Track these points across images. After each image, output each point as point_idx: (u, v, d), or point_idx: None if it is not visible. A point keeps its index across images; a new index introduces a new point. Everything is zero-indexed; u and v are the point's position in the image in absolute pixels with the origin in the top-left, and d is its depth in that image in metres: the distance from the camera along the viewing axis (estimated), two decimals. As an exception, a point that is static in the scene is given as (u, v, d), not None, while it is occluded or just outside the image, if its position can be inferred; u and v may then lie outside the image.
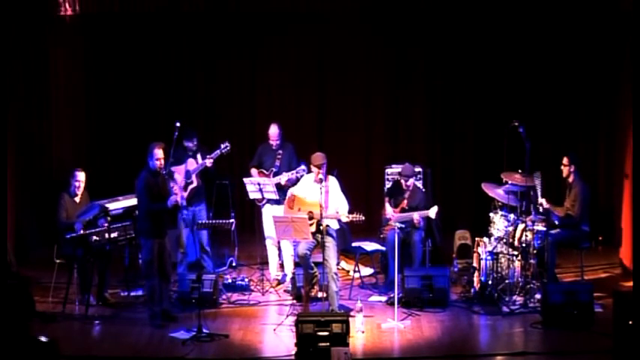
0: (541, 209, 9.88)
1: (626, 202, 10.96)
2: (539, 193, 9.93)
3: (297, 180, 9.98)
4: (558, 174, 10.41)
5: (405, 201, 10.24)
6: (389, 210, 10.29)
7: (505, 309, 9.37)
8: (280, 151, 10.43)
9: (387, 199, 10.44)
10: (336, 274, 9.13)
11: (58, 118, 12.44)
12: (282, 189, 10.15)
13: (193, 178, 10.39)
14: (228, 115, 13.02)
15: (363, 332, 8.81)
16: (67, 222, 9.69)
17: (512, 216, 9.81)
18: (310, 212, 9.14)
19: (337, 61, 12.89)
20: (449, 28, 12.62)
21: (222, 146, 10.34)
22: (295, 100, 12.99)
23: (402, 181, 10.29)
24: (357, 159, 12.96)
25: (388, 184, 11.21)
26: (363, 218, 9.19)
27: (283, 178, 10.26)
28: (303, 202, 9.30)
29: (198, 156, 10.45)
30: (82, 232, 9.55)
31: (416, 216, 10.01)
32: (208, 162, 10.31)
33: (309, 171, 9.49)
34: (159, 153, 9.10)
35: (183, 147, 10.40)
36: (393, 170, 11.35)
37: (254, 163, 10.60)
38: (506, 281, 9.64)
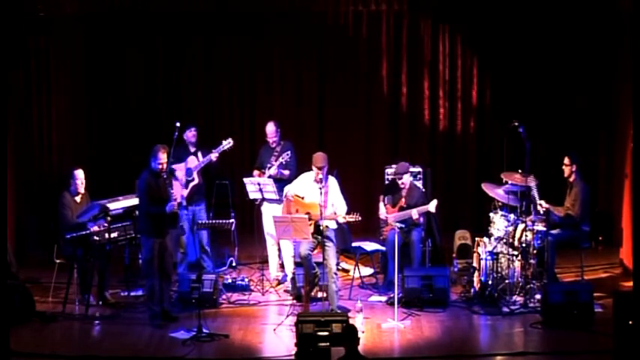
0: (541, 210, 9.85)
1: (626, 202, 10.95)
2: (537, 196, 9.90)
3: (286, 164, 10.01)
4: (557, 174, 10.40)
5: (403, 199, 10.22)
6: (382, 210, 10.25)
7: (505, 309, 9.37)
8: (277, 149, 10.41)
9: (381, 198, 10.39)
10: (335, 274, 9.14)
11: (58, 117, 12.43)
12: (278, 181, 10.13)
13: (195, 175, 10.39)
14: (228, 115, 13.01)
15: (363, 332, 8.81)
16: (74, 221, 9.69)
17: (512, 216, 9.80)
18: (308, 213, 9.12)
19: (338, 60, 12.87)
20: (449, 28, 12.61)
21: (225, 142, 10.35)
22: (295, 99, 12.96)
23: (397, 180, 10.29)
24: (357, 159, 12.94)
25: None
26: (360, 218, 9.18)
27: (272, 169, 10.25)
28: (302, 203, 9.29)
29: (199, 154, 10.44)
30: (94, 228, 9.57)
31: (414, 212, 9.98)
32: (213, 156, 10.31)
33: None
34: (162, 157, 9.08)
35: (184, 144, 10.38)
36: (393, 170, 11.33)
37: (256, 165, 10.60)
38: (506, 281, 9.64)
